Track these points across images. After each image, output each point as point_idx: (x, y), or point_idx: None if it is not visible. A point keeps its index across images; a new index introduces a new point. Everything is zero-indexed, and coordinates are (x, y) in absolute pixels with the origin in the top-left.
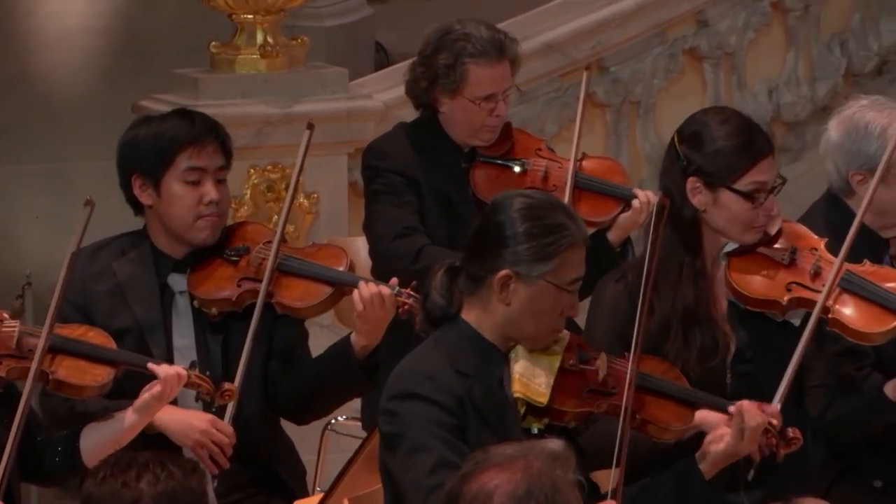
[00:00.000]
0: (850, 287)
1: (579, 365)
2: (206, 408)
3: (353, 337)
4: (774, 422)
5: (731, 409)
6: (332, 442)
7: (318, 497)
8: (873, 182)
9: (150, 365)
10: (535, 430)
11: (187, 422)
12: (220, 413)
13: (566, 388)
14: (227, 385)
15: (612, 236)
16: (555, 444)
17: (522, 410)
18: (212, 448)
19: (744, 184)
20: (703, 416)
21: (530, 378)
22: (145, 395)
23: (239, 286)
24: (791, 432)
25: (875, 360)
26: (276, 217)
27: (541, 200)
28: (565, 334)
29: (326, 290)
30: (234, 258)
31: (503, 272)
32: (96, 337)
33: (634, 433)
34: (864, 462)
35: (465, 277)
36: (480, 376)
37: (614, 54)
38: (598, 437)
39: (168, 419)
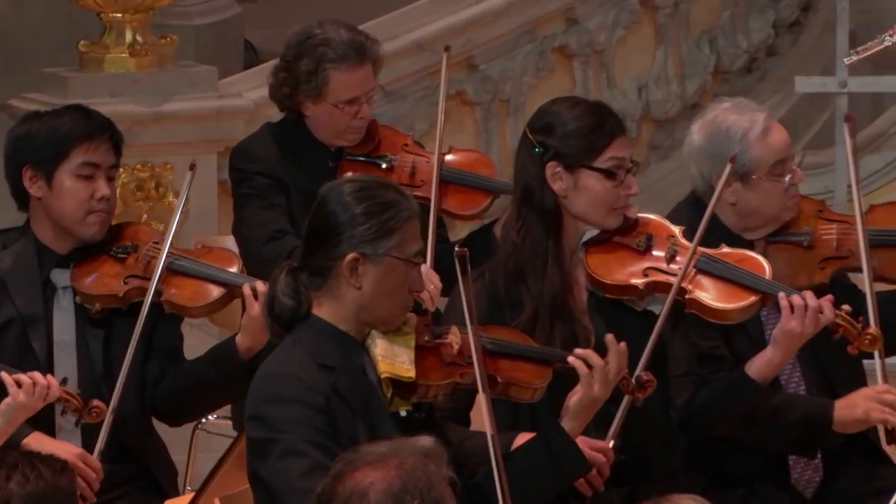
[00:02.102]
0: (707, 267)
1: (434, 340)
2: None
3: (238, 339)
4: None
5: (570, 359)
6: (202, 441)
7: (188, 496)
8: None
9: (3, 374)
10: (404, 413)
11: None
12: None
13: (427, 363)
14: (95, 402)
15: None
16: (426, 440)
17: (389, 393)
18: (78, 483)
19: (603, 160)
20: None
21: (393, 357)
22: (7, 399)
23: (126, 283)
24: (644, 375)
25: (732, 363)
26: (144, 216)
27: (369, 182)
28: (411, 316)
29: (218, 291)
30: (122, 255)
31: (350, 256)
32: None
33: (499, 397)
34: (728, 470)
35: (309, 273)
36: (344, 367)
37: (484, 52)
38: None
39: (36, 448)
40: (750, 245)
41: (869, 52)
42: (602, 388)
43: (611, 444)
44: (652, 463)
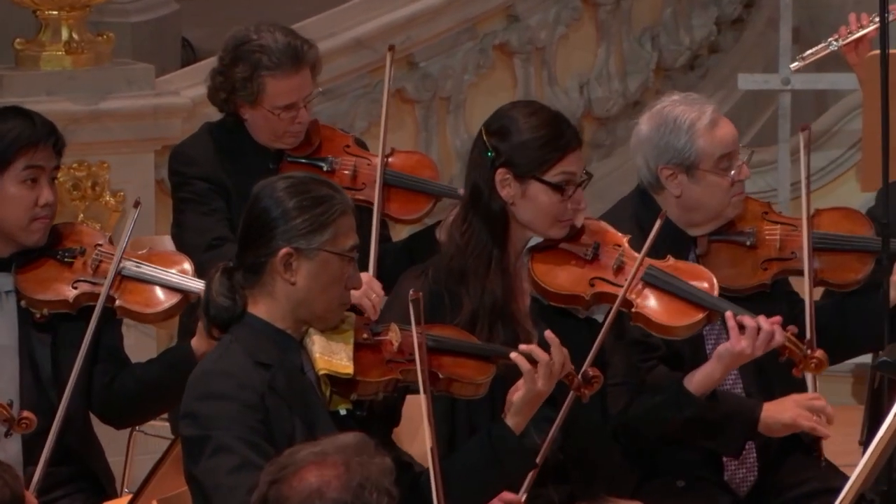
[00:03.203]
0: (654, 281)
1: (373, 338)
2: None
3: (193, 343)
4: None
5: (513, 355)
6: (140, 443)
7: (126, 498)
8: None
9: None
10: (343, 412)
11: None
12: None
13: (366, 360)
14: (25, 413)
15: (443, 237)
16: (350, 436)
17: (328, 392)
18: None
19: (553, 175)
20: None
21: (331, 354)
22: None
23: (75, 288)
24: (591, 371)
25: (665, 352)
26: (81, 216)
27: (302, 178)
28: (350, 314)
29: (173, 297)
30: (69, 260)
31: (284, 251)
32: None
33: (443, 395)
34: (667, 463)
35: (244, 271)
36: (282, 365)
37: (424, 50)
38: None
39: None
40: (693, 241)
41: (815, 57)
42: (546, 382)
43: (523, 497)
44: (591, 465)
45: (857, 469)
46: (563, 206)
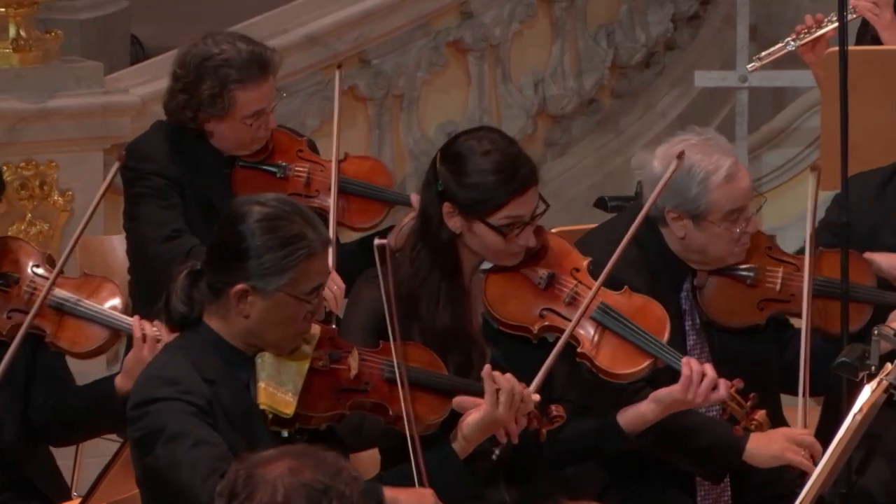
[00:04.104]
0: (604, 321)
1: (330, 365)
2: None
3: (118, 380)
4: (535, 397)
5: (483, 373)
6: (89, 446)
7: (75, 502)
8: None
9: None
10: (285, 434)
11: None
12: None
13: (315, 390)
14: None
15: (393, 241)
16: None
17: (270, 416)
18: None
19: (497, 218)
20: (460, 401)
21: (276, 387)
22: None
23: (9, 318)
24: (554, 409)
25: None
26: (28, 215)
27: (278, 209)
28: (316, 329)
29: (104, 334)
30: (4, 288)
31: (239, 286)
32: None
33: (391, 429)
34: (636, 477)
35: (206, 285)
36: (226, 381)
37: (377, 47)
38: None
39: None
40: (691, 271)
41: (772, 57)
42: (506, 411)
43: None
44: (535, 467)
45: (816, 471)
46: (507, 245)
